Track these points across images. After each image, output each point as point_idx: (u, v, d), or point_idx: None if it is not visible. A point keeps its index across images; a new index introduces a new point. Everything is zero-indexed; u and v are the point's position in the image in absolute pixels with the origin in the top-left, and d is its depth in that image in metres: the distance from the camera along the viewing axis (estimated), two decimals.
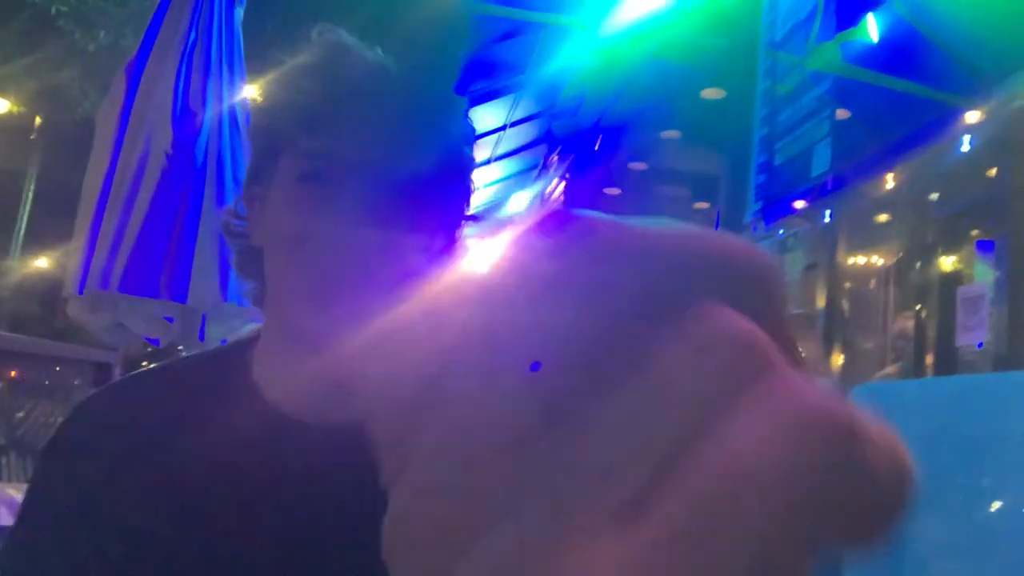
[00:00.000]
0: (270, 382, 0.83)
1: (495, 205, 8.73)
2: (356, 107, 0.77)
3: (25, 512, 0.82)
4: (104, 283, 2.50)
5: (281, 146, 0.80)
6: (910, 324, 5.13)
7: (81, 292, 2.59)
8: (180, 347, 3.02)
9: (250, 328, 2.94)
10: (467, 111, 0.84)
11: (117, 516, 0.78)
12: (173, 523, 0.77)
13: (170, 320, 2.91)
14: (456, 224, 0.85)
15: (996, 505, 2.08)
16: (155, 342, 3.12)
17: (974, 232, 5.81)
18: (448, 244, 0.84)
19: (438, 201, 0.81)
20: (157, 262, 2.51)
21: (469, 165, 0.85)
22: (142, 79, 2.68)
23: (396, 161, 0.77)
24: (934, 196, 5.96)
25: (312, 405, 0.81)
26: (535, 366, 0.44)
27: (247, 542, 0.78)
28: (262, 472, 0.79)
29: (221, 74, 2.73)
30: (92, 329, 2.91)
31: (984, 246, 5.53)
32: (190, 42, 2.69)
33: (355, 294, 0.76)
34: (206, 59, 2.70)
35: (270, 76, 0.82)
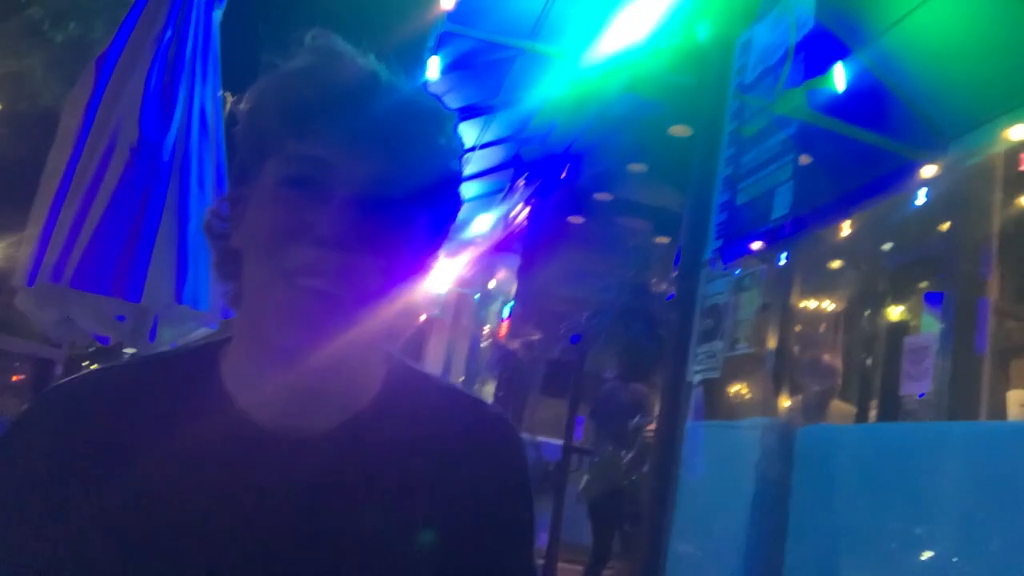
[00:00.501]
0: (240, 388, 0.81)
1: (458, 225, 8.71)
2: (344, 114, 0.76)
3: None
4: (56, 276, 2.44)
5: (268, 149, 0.79)
6: (825, 357, 5.22)
7: (31, 284, 2.53)
8: (128, 347, 2.96)
9: (203, 332, 2.90)
10: (456, 125, 0.83)
11: (74, 511, 0.76)
12: (133, 521, 0.76)
13: (121, 319, 2.85)
14: (440, 238, 0.85)
15: (927, 553, 2.12)
16: (104, 340, 3.05)
17: (923, 284, 5.97)
18: (428, 257, 0.84)
19: (422, 213, 0.80)
20: (113, 259, 2.46)
21: (456, 179, 0.84)
22: (113, 72, 2.64)
23: (381, 171, 0.76)
24: (887, 246, 6.12)
25: (280, 414, 0.80)
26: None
27: (208, 545, 0.76)
28: (225, 478, 0.78)
29: (194, 74, 2.70)
30: (39, 323, 2.84)
31: (932, 298, 5.67)
32: (165, 39, 2.66)
33: (330, 305, 0.75)
34: (180, 58, 2.67)
35: (261, 78, 0.81)
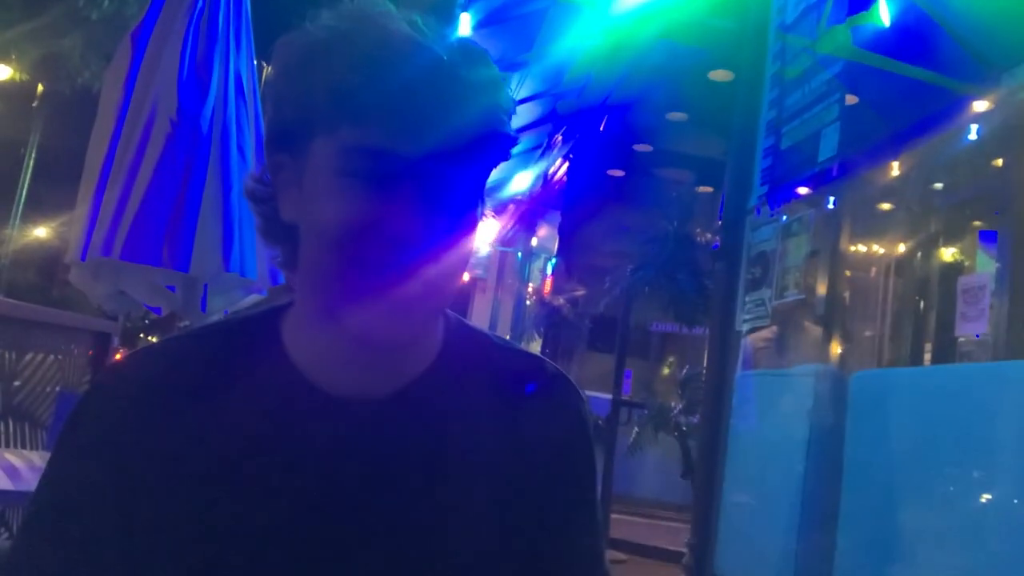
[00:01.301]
0: (303, 354, 0.82)
1: (498, 184, 8.70)
2: (405, 100, 0.73)
3: (51, 479, 0.80)
4: (107, 250, 2.49)
5: (317, 126, 0.76)
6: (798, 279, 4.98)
7: (84, 259, 2.58)
8: (181, 317, 3.02)
9: (253, 299, 2.91)
10: (509, 86, 0.81)
11: (149, 482, 0.77)
12: (206, 490, 0.77)
13: (172, 289, 2.90)
14: (483, 197, 0.84)
15: (987, 496, 2.08)
16: (157, 311, 3.12)
17: (977, 222, 5.81)
18: (480, 214, 0.82)
19: (481, 183, 0.80)
20: (160, 230, 2.49)
21: (512, 142, 0.81)
22: (148, 45, 2.65)
23: (445, 155, 0.74)
24: (938, 185, 5.95)
25: (345, 379, 0.81)
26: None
27: (281, 513, 0.77)
28: (292, 444, 0.78)
29: (228, 42, 2.70)
30: (93, 296, 2.90)
31: (987, 236, 5.53)
32: (197, 9, 2.66)
33: (396, 279, 0.74)
34: (213, 27, 2.67)
35: (305, 39, 0.77)
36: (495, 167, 0.82)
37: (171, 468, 0.77)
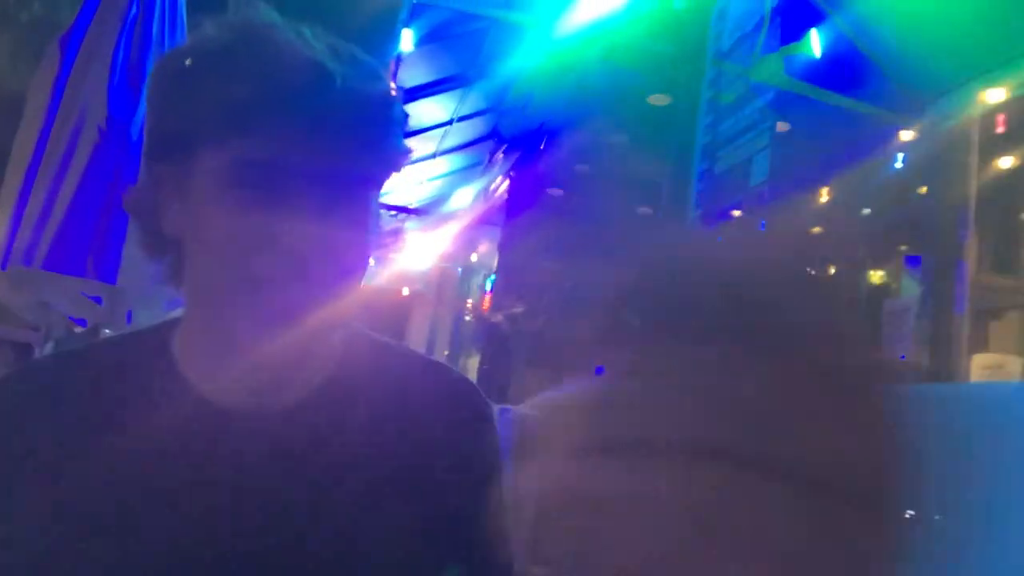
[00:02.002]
0: (194, 369, 0.80)
1: (439, 200, 8.69)
2: (293, 113, 0.72)
3: None
4: (28, 259, 2.41)
5: (201, 138, 0.74)
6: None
7: (3, 268, 2.49)
8: (106, 330, 2.93)
9: (180, 312, 2.84)
10: (402, 101, 0.81)
11: (31, 496, 0.75)
12: (91, 505, 0.75)
13: (97, 301, 2.82)
14: (379, 213, 0.84)
15: (907, 512, 2.15)
16: (81, 323, 3.02)
17: (902, 247, 6.01)
18: (375, 236, 0.82)
19: (373, 199, 0.79)
20: (86, 240, 2.42)
21: (404, 156, 0.82)
22: (78, 50, 2.58)
23: (336, 168, 0.74)
24: (866, 211, 6.14)
25: (239, 394, 0.79)
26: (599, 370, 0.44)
27: (170, 527, 0.75)
28: (184, 461, 0.77)
29: (162, 51, 2.65)
30: (13, 307, 2.80)
31: (911, 261, 5.72)
32: (131, 17, 2.61)
33: (289, 295, 0.74)
34: (147, 35, 2.62)
35: (189, 51, 0.75)
36: (386, 180, 0.82)
37: (53, 483, 0.75)
